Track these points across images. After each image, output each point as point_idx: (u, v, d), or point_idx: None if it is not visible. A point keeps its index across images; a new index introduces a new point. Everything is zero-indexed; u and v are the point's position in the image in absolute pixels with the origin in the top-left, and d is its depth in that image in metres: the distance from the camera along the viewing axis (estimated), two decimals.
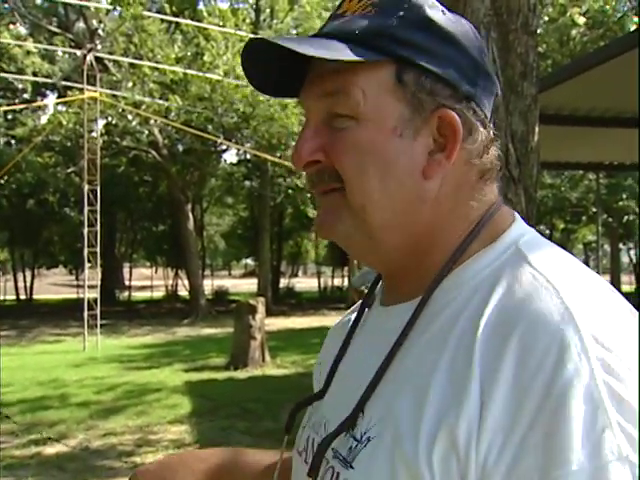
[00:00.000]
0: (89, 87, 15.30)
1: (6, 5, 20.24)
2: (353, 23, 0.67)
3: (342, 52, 0.64)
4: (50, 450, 5.89)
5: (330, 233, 0.71)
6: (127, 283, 32.18)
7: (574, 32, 15.37)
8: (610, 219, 23.52)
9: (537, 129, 2.17)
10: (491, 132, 0.70)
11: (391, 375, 0.66)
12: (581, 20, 13.15)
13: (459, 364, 0.60)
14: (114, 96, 18.11)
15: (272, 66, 0.71)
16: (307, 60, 0.69)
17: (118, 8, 15.10)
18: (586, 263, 37.46)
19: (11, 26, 20.77)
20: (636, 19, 13.15)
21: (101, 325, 14.48)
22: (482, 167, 0.70)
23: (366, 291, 0.83)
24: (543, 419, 0.54)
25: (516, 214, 0.73)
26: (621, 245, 29.37)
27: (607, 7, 13.64)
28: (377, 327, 0.75)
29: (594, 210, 21.60)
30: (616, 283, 20.18)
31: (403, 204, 0.67)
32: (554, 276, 0.62)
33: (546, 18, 15.90)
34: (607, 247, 28.60)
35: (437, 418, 0.58)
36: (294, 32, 20.83)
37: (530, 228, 0.71)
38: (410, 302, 0.69)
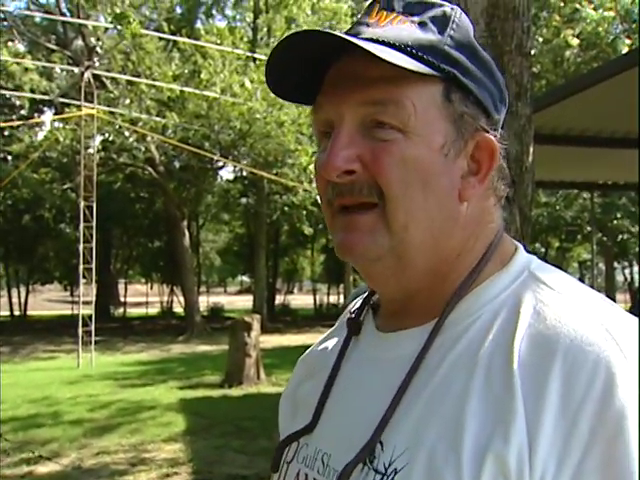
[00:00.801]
0: (86, 104, 15.35)
1: (5, 22, 20.36)
2: (400, 33, 0.65)
3: (403, 60, 0.62)
4: (42, 469, 5.81)
5: (359, 255, 0.66)
6: (122, 299, 32.02)
7: (568, 53, 15.54)
8: (605, 238, 23.60)
9: (532, 149, 2.19)
10: (502, 160, 0.71)
11: (409, 403, 0.63)
12: (575, 41, 13.31)
13: (496, 390, 0.58)
14: (111, 113, 18.17)
15: (292, 68, 0.68)
16: (329, 64, 0.67)
17: (118, 26, 15.24)
18: (581, 281, 37.43)
19: (9, 43, 20.88)
20: (628, 41, 13.31)
21: (95, 342, 14.39)
22: (499, 192, 0.71)
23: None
24: (600, 443, 0.53)
25: (515, 241, 0.74)
26: (616, 264, 29.44)
27: (600, 29, 13.81)
28: (378, 355, 0.71)
29: (589, 229, 21.69)
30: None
31: (441, 226, 0.66)
32: (580, 298, 0.62)
33: (540, 39, 16.07)
34: (602, 265, 28.67)
35: (481, 445, 0.56)
36: None
37: (532, 255, 0.72)
38: (421, 327, 0.67)
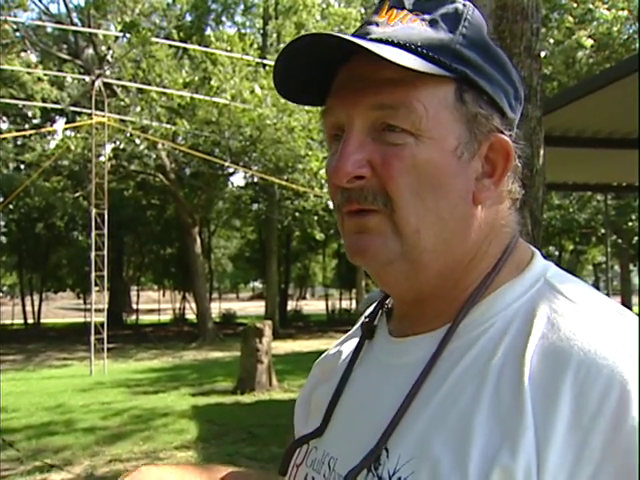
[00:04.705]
0: (97, 112, 15.45)
1: (17, 33, 20.56)
2: (410, 33, 0.63)
3: (412, 61, 0.61)
4: (55, 477, 5.82)
5: (370, 258, 0.65)
6: (134, 306, 32.18)
7: (580, 54, 15.44)
8: (620, 240, 23.41)
9: (542, 152, 2.15)
10: (517, 161, 0.69)
11: (417, 410, 0.62)
12: (589, 42, 13.23)
13: (505, 401, 0.57)
14: (122, 121, 18.28)
15: (300, 70, 0.67)
16: (338, 66, 0.66)
17: (127, 35, 15.36)
18: (596, 284, 37.19)
19: (22, 54, 21.08)
20: None
21: (108, 349, 14.43)
22: (514, 195, 0.69)
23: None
24: (613, 459, 0.52)
25: (532, 247, 0.72)
26: (632, 266, 29.17)
27: (614, 29, 13.70)
28: (389, 360, 0.70)
29: (603, 231, 21.50)
30: (627, 305, 19.99)
31: (453, 229, 0.64)
32: (596, 309, 0.60)
33: (552, 40, 15.99)
34: (617, 268, 28.41)
35: (488, 457, 0.55)
36: None
37: (550, 262, 0.69)
38: (432, 332, 0.66)
